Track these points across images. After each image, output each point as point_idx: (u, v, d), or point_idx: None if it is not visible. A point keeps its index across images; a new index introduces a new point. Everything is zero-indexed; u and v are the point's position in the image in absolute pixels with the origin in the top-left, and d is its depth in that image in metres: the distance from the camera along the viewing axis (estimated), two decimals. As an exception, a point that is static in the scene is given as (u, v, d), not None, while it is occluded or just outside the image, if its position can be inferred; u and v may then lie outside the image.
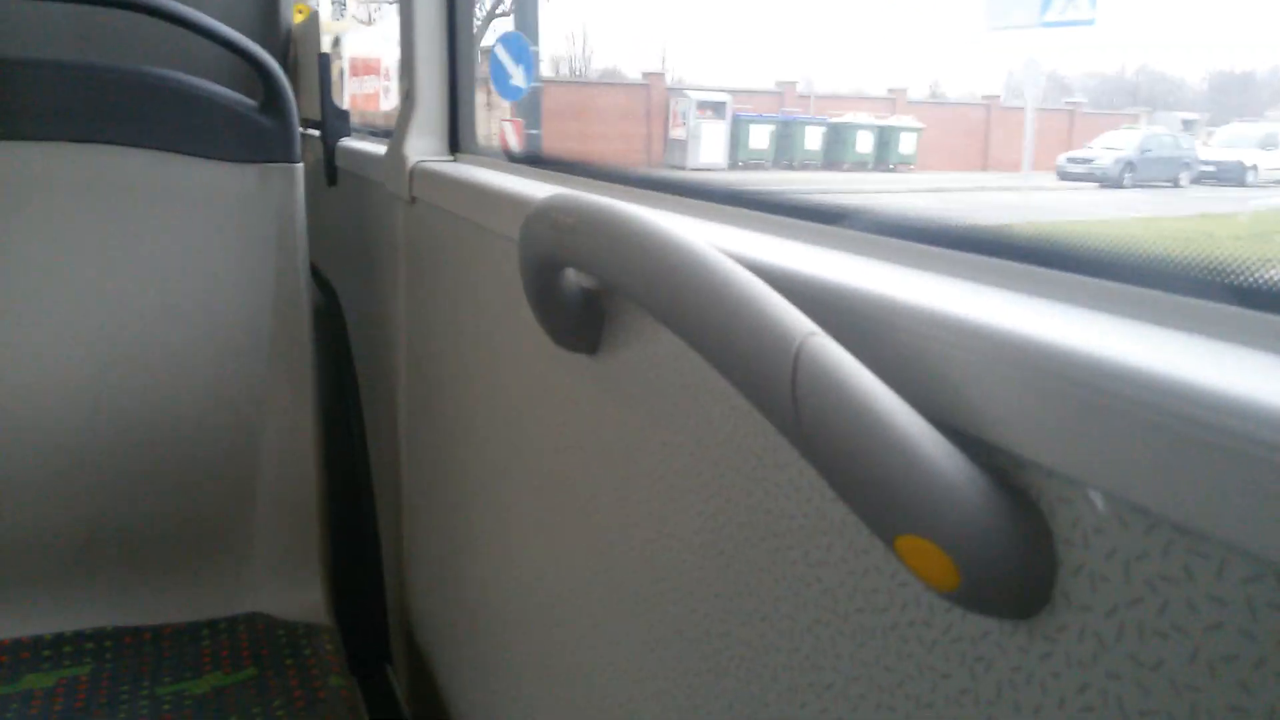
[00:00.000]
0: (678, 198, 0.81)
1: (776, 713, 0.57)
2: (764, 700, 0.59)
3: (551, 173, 1.06)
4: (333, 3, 3.73)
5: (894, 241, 0.57)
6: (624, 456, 0.75)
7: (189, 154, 1.39)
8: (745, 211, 0.72)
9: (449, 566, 1.28)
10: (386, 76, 2.01)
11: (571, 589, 0.87)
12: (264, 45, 1.44)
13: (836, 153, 3.40)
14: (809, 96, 3.92)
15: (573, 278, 0.74)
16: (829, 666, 0.53)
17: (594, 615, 0.82)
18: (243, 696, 1.24)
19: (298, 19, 2.13)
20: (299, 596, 1.47)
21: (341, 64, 2.41)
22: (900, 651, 0.47)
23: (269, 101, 1.43)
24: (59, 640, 1.34)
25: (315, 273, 1.61)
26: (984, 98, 2.81)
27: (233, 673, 1.29)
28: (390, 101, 2.10)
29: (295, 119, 1.44)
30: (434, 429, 1.30)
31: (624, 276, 0.52)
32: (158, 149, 1.38)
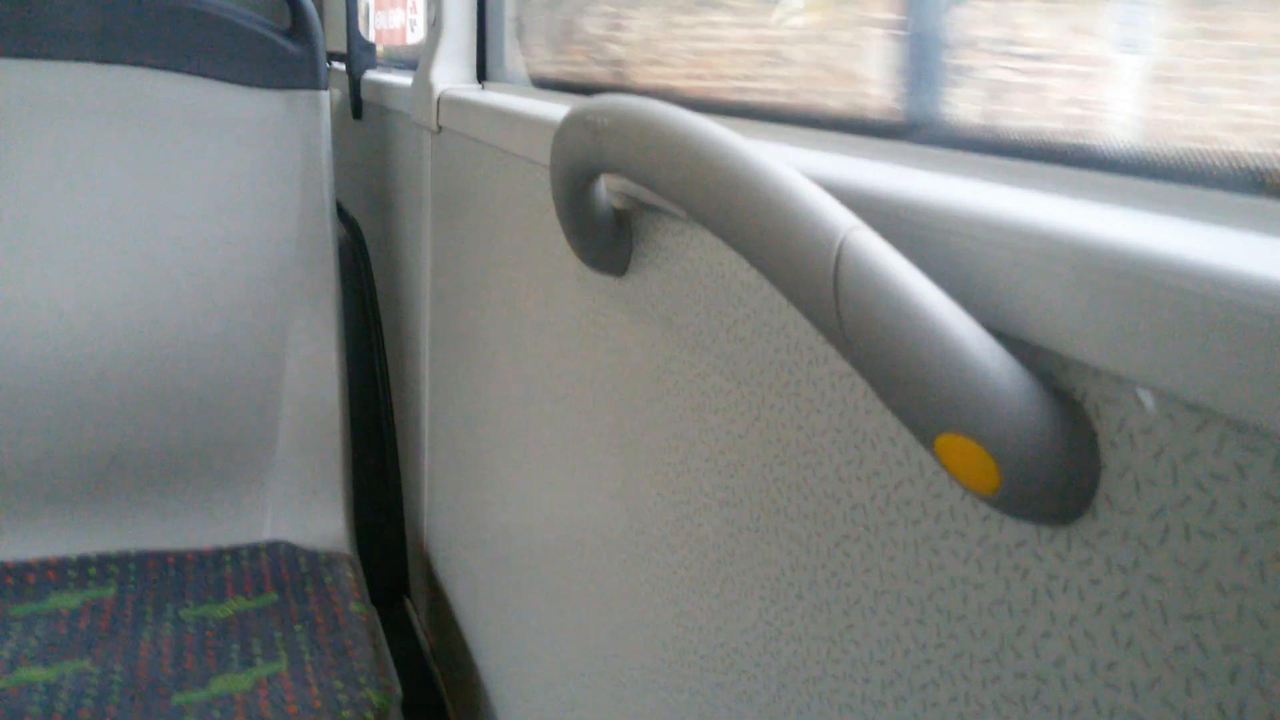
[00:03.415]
0: (714, 116, 0.79)
1: (802, 629, 0.57)
2: (790, 619, 0.58)
3: (580, 96, 1.05)
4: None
5: (933, 150, 0.56)
6: (652, 379, 0.74)
7: (214, 78, 1.38)
8: (786, 128, 0.71)
9: (470, 499, 1.29)
10: (414, 10, 1.98)
11: (595, 518, 0.87)
12: None
13: None
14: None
15: (603, 196, 0.72)
16: (857, 582, 0.52)
17: (617, 543, 0.82)
18: (264, 621, 1.25)
19: None
20: (320, 525, 1.48)
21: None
22: (931, 564, 0.47)
23: (295, 28, 1.41)
24: (84, 562, 1.36)
25: (339, 208, 1.60)
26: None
27: (254, 598, 1.31)
28: (417, 36, 2.08)
29: (322, 46, 1.43)
30: (458, 360, 1.30)
31: (660, 174, 0.51)
32: (184, 72, 1.37)
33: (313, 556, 1.40)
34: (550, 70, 1.24)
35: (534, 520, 1.04)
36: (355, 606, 1.28)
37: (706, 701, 0.68)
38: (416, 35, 1.95)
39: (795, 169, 0.46)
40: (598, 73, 1.11)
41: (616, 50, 1.08)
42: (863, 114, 0.67)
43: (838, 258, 0.40)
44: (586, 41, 1.15)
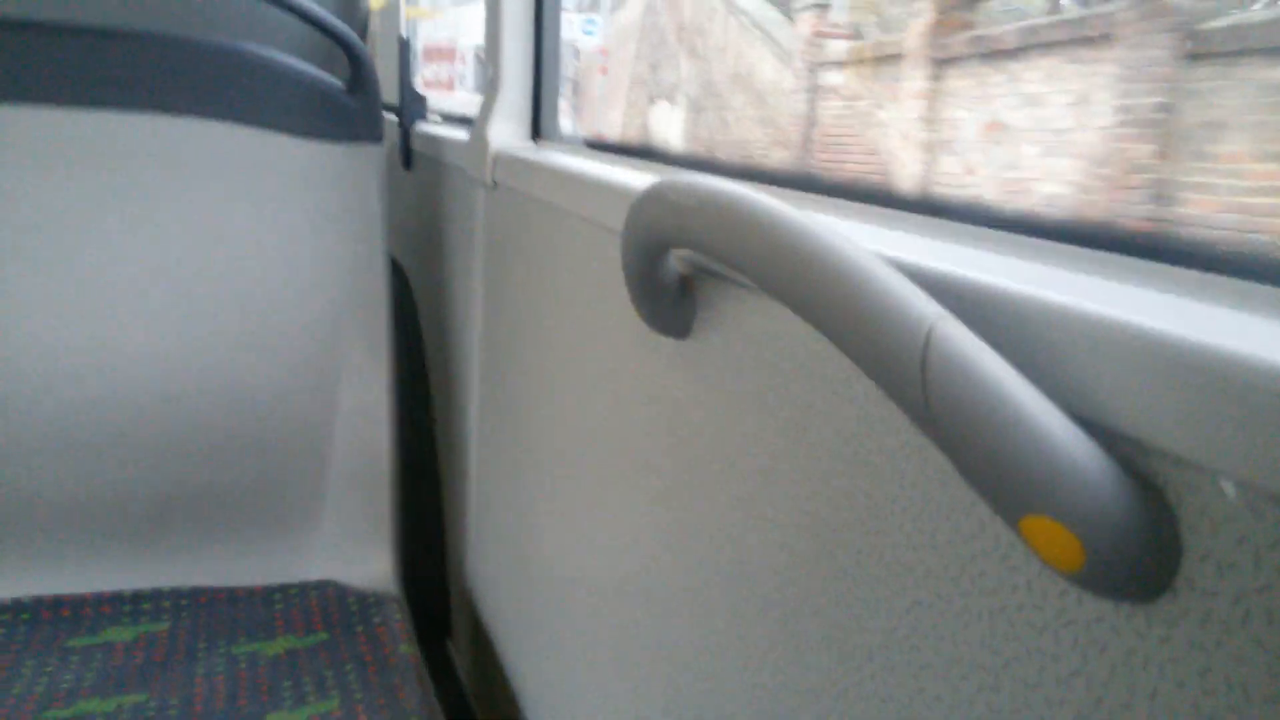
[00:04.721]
0: (781, 188, 0.82)
1: (870, 691, 0.59)
2: (858, 680, 0.60)
3: (634, 159, 1.08)
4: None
5: (1008, 235, 0.58)
6: (712, 440, 0.76)
7: (275, 129, 1.43)
8: (861, 205, 0.73)
9: (516, 545, 1.31)
10: (462, 61, 2.04)
11: (648, 571, 0.88)
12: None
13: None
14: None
15: (672, 263, 0.75)
16: (929, 648, 0.54)
17: (671, 598, 0.84)
18: (315, 659, 1.28)
19: (375, 4, 2.16)
20: (368, 566, 1.51)
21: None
22: (1007, 634, 0.48)
23: (355, 81, 1.46)
24: (138, 597, 1.39)
25: (389, 256, 1.64)
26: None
27: (304, 636, 1.33)
28: (466, 88, 2.14)
29: (380, 100, 1.47)
30: (508, 411, 1.33)
31: (745, 257, 0.53)
32: (245, 123, 1.42)
33: (361, 597, 1.43)
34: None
35: (581, 570, 1.06)
36: (404, 648, 1.30)
37: None
38: (465, 88, 1.99)
39: (879, 255, 0.49)
40: (649, 138, 1.15)
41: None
42: (930, 195, 0.69)
43: (925, 345, 0.43)
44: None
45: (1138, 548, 0.39)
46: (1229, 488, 0.38)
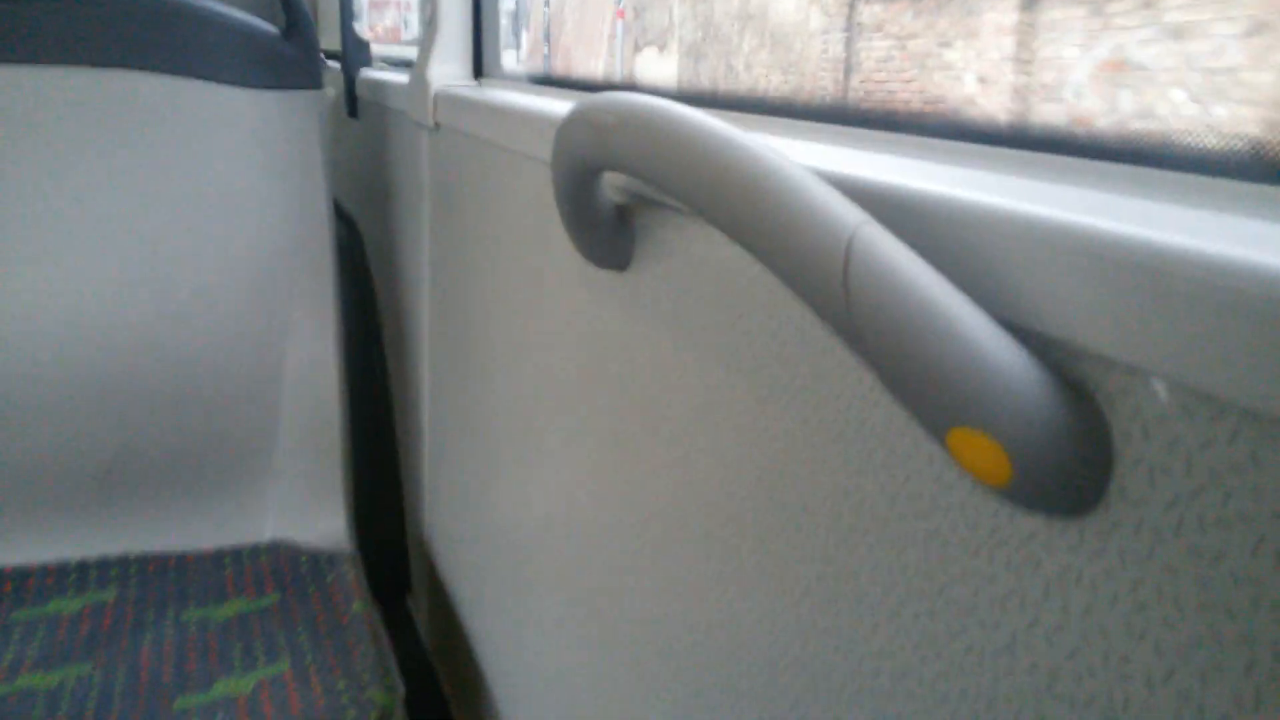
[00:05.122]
0: (719, 110, 0.79)
1: (810, 624, 0.57)
2: (798, 614, 0.58)
3: (577, 93, 1.05)
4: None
5: (936, 141, 0.56)
6: (655, 374, 0.74)
7: (210, 80, 1.38)
8: (788, 120, 0.70)
9: (471, 497, 1.28)
10: (407, 8, 1.98)
11: (598, 515, 0.87)
12: None
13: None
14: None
15: (606, 192, 0.72)
16: (865, 576, 0.52)
17: (621, 540, 0.82)
18: (266, 622, 1.25)
19: None
20: (321, 524, 1.48)
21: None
22: (942, 556, 0.46)
23: (290, 27, 1.41)
24: (84, 566, 1.36)
25: (336, 206, 1.60)
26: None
27: (256, 598, 1.31)
28: (410, 34, 2.08)
29: (317, 45, 1.42)
30: (458, 357, 1.30)
31: (667, 171, 0.50)
32: (178, 74, 1.37)
33: (314, 556, 1.40)
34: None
35: (536, 517, 1.03)
36: (358, 606, 1.28)
37: (713, 698, 0.68)
38: (410, 33, 1.94)
39: (802, 165, 0.46)
40: (596, 70, 1.11)
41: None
42: (861, 106, 0.67)
43: (847, 254, 0.40)
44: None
45: (1067, 457, 0.37)
46: (1160, 388, 0.36)
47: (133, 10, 1.34)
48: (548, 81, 1.16)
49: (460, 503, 1.34)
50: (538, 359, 0.99)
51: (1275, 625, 0.32)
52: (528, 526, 1.07)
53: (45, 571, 1.34)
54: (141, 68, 1.35)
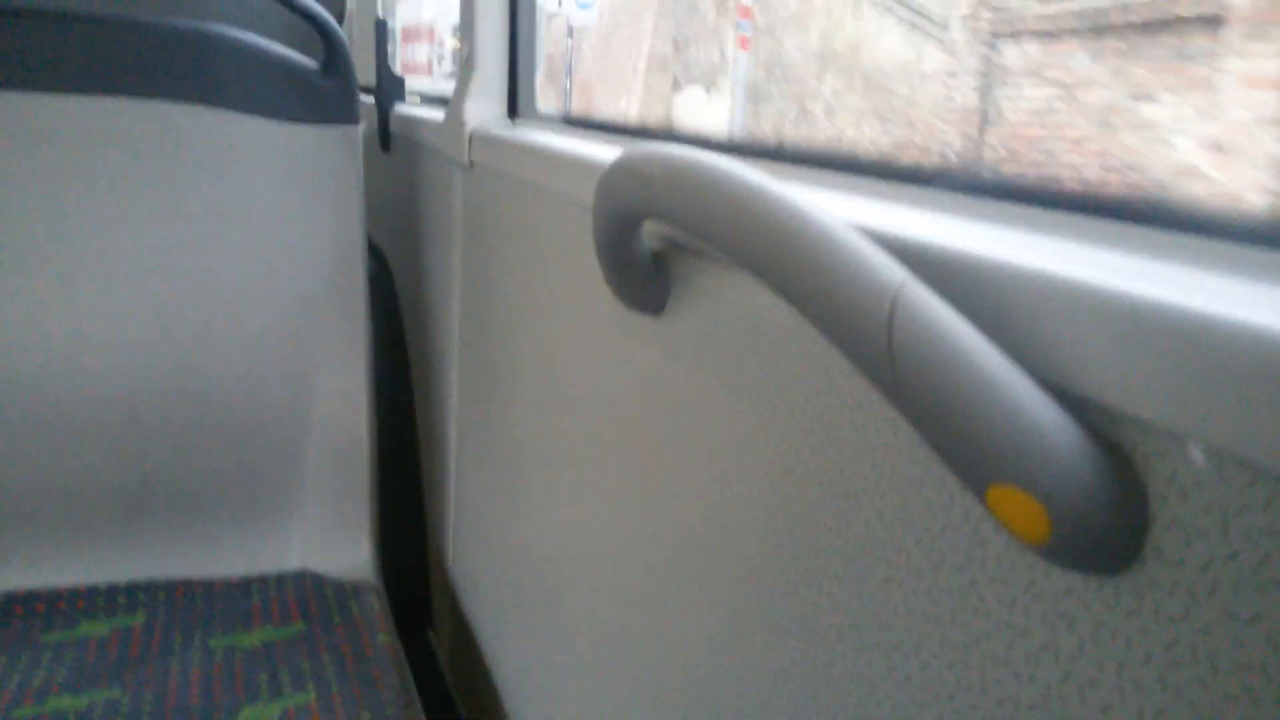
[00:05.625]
0: (756, 159, 0.81)
1: (843, 671, 0.58)
2: (832, 659, 0.59)
3: (613, 135, 1.06)
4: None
5: (983, 201, 0.57)
6: (687, 418, 0.75)
7: (248, 112, 1.41)
8: (831, 174, 0.72)
9: (496, 533, 1.29)
10: (440, 43, 2.01)
11: (625, 557, 0.87)
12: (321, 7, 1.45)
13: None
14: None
15: (644, 238, 0.74)
16: (899, 625, 0.53)
17: (649, 580, 0.83)
18: (292, 651, 1.26)
19: None
20: (347, 555, 1.49)
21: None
22: (977, 609, 0.47)
23: (329, 62, 1.44)
24: (113, 590, 1.37)
25: (368, 240, 1.62)
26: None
27: (282, 627, 1.32)
28: (443, 70, 2.11)
29: (355, 80, 1.45)
30: (487, 394, 1.31)
31: (712, 225, 0.52)
32: (217, 106, 1.40)
33: (339, 586, 1.41)
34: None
35: (561, 556, 1.04)
36: (383, 638, 1.29)
37: None
38: (443, 69, 1.97)
39: (846, 222, 0.47)
40: (628, 109, 1.13)
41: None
42: (906, 160, 0.68)
43: (891, 313, 0.41)
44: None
45: (1105, 517, 0.38)
46: (1197, 453, 0.37)
47: (174, 42, 1.37)
48: (584, 124, 1.19)
49: (485, 539, 1.35)
50: (568, 398, 1.01)
51: None
52: (552, 564, 1.07)
53: (75, 595, 1.36)
54: (181, 99, 1.38)
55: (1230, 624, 0.36)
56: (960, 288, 0.45)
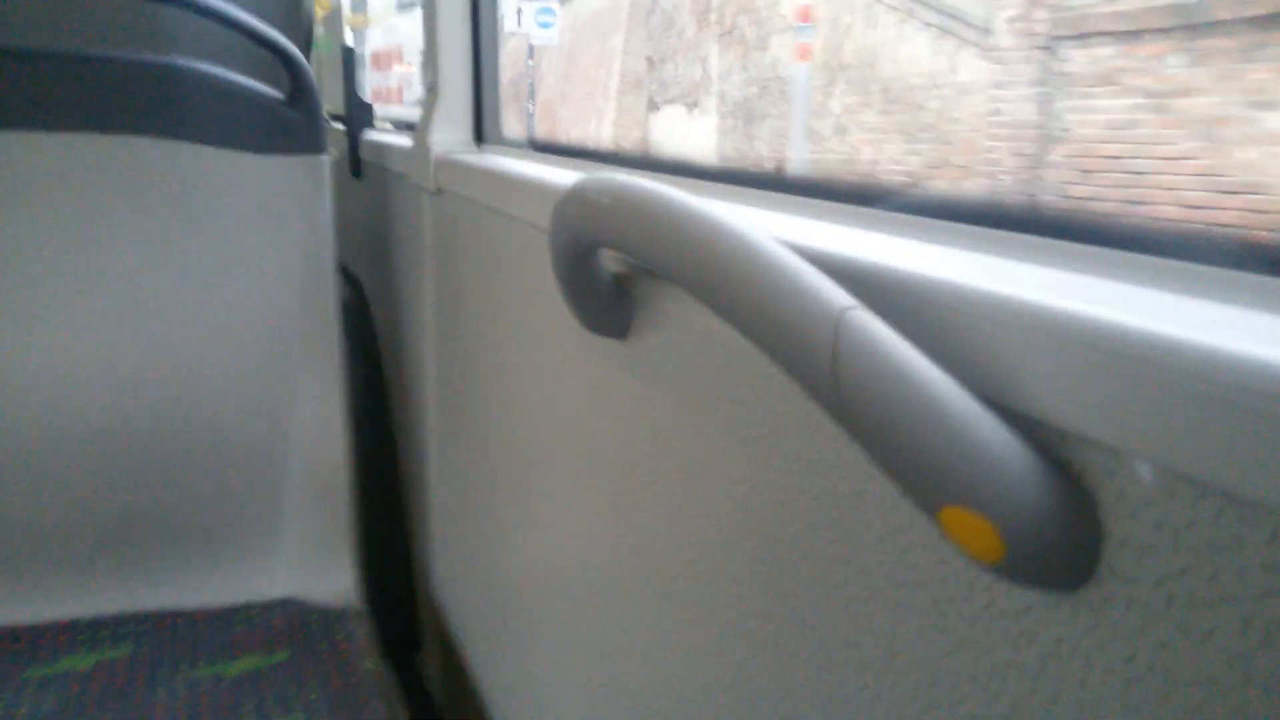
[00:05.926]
0: (708, 182, 0.81)
1: (813, 690, 0.58)
2: (800, 678, 0.59)
3: (579, 160, 1.07)
4: (352, -4, 3.73)
5: (925, 220, 0.57)
6: (655, 440, 0.75)
7: (214, 145, 1.40)
8: (776, 195, 0.72)
9: (479, 554, 1.29)
10: (409, 66, 2.02)
11: (603, 574, 0.87)
12: (287, 37, 1.45)
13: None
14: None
15: (603, 262, 0.74)
16: (866, 643, 0.53)
17: (626, 600, 0.83)
18: (277, 679, 1.26)
19: (319, 13, 2.14)
20: (330, 582, 1.48)
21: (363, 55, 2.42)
22: (940, 626, 0.47)
23: (295, 93, 1.44)
24: (95, 624, 1.37)
25: (340, 266, 1.62)
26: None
27: (267, 656, 1.31)
28: (413, 95, 2.12)
29: (321, 110, 1.45)
30: (463, 418, 1.31)
31: (659, 254, 0.52)
32: (183, 139, 1.39)
33: (324, 613, 1.41)
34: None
35: (543, 574, 1.04)
36: (368, 664, 1.29)
37: None
38: (412, 94, 1.98)
39: (790, 247, 0.47)
40: (598, 131, 1.13)
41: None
42: (846, 181, 0.68)
43: (835, 339, 0.41)
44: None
45: (1057, 536, 0.38)
46: (1145, 471, 0.37)
47: (138, 76, 1.37)
48: (551, 148, 1.19)
49: (468, 561, 1.35)
50: (539, 421, 1.01)
51: (1265, 701, 0.33)
52: (533, 585, 1.07)
53: (58, 629, 1.35)
54: (146, 133, 1.38)
55: (1185, 638, 0.36)
56: (907, 309, 0.46)
